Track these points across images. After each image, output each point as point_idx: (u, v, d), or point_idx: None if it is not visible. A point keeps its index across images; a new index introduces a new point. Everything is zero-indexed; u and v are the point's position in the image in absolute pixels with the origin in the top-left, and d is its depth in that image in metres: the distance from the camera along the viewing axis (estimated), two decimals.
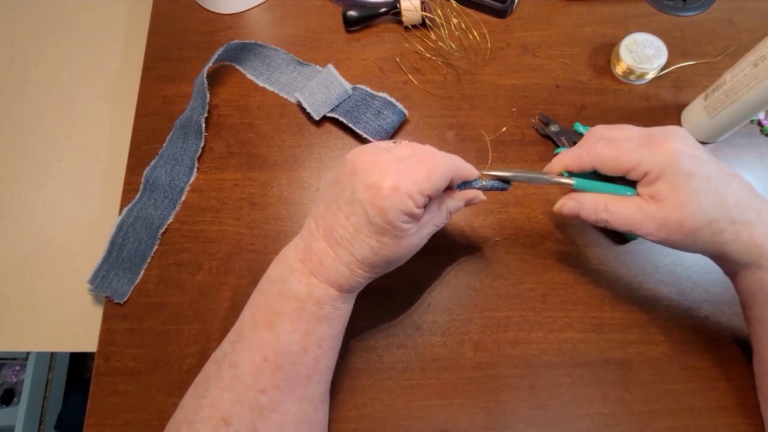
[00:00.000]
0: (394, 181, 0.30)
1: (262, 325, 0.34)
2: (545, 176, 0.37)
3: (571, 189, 0.37)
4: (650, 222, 0.33)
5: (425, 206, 0.33)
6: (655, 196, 0.33)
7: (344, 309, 0.35)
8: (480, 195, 0.37)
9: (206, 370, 0.35)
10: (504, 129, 0.50)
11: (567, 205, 0.37)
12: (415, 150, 0.33)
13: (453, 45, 0.53)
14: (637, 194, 0.34)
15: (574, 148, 0.36)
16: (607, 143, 0.34)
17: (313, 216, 0.35)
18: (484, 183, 0.37)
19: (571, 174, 0.37)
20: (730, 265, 0.35)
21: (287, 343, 0.33)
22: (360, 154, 0.33)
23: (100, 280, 0.45)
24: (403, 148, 0.33)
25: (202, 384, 0.34)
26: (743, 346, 0.42)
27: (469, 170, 0.36)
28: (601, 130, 0.37)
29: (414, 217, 0.32)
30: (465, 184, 0.37)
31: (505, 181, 0.38)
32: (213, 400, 0.32)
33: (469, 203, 0.37)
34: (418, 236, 0.34)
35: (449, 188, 0.36)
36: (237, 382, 0.32)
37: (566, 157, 0.36)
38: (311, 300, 0.33)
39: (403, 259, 0.35)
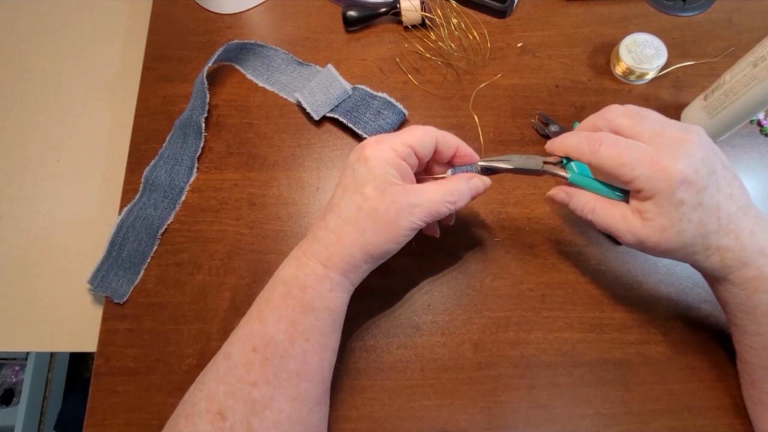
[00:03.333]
0: (378, 138, 0.34)
1: (254, 316, 0.35)
2: (542, 168, 0.37)
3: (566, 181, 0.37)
4: (630, 235, 0.34)
5: (420, 180, 0.36)
6: (642, 213, 0.33)
7: (330, 299, 0.34)
8: (484, 179, 0.37)
9: (207, 366, 0.35)
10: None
11: (558, 195, 0.38)
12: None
13: (453, 45, 0.53)
14: (627, 200, 0.34)
15: (578, 134, 0.35)
16: (612, 147, 0.33)
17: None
18: (479, 169, 0.38)
19: (568, 161, 0.37)
20: (702, 274, 0.37)
21: (274, 332, 0.33)
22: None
23: (99, 280, 0.45)
24: (396, 132, 0.36)
25: (201, 378, 0.35)
26: None
27: (452, 139, 0.37)
28: (615, 114, 0.35)
29: (398, 169, 0.33)
30: (460, 170, 0.38)
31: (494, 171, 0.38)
32: (209, 393, 0.33)
33: (475, 193, 0.37)
34: (405, 199, 0.33)
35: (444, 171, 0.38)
36: (230, 374, 0.33)
37: (568, 143, 0.35)
38: (296, 283, 0.34)
39: (391, 232, 0.33)
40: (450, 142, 0.36)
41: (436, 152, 0.36)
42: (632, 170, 0.32)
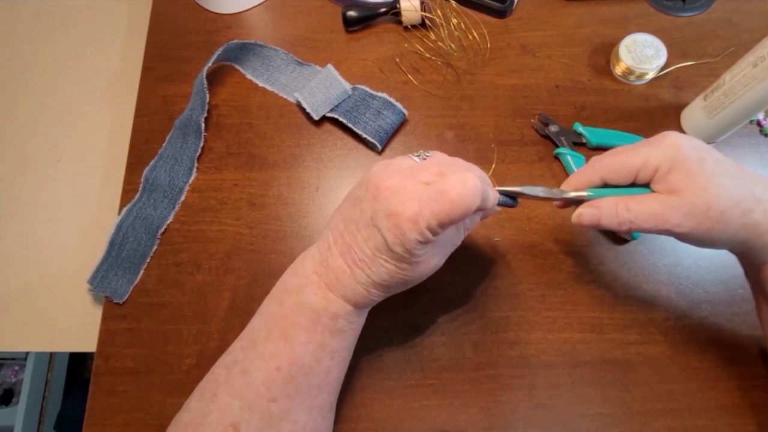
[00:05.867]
0: (415, 212, 0.29)
1: (277, 335, 0.33)
2: (557, 191, 0.36)
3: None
4: (676, 212, 0.31)
5: None
6: (673, 189, 0.32)
7: (358, 323, 0.36)
8: (495, 208, 0.36)
9: (215, 374, 0.34)
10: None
11: (586, 213, 0.35)
12: (443, 175, 0.30)
13: (453, 45, 0.53)
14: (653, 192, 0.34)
15: (576, 171, 0.36)
16: (610, 153, 0.34)
17: (331, 230, 0.34)
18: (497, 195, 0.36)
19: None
20: (760, 253, 0.33)
21: (301, 353, 0.33)
22: (383, 177, 0.31)
23: (99, 280, 0.45)
24: (429, 173, 0.30)
25: (210, 389, 0.34)
26: (742, 347, 0.42)
27: (493, 199, 0.33)
28: (595, 157, 0.36)
29: (430, 243, 0.31)
30: None
31: (513, 198, 0.37)
32: (222, 406, 0.32)
33: (484, 217, 0.37)
34: (435, 258, 0.33)
35: None
36: (248, 389, 0.32)
37: (573, 180, 0.36)
38: (327, 313, 0.33)
39: (421, 279, 0.34)
40: (487, 203, 0.32)
41: None
42: (637, 155, 0.32)
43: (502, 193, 0.36)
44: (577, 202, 0.36)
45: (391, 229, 0.30)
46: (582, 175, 0.36)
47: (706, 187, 0.31)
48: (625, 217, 0.33)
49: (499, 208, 0.37)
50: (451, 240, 0.35)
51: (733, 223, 0.31)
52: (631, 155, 0.33)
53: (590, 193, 0.35)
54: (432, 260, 0.33)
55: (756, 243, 0.33)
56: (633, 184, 0.35)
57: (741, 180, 0.32)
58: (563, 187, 0.37)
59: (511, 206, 0.37)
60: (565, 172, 0.48)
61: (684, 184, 0.31)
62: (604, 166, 0.34)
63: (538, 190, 0.36)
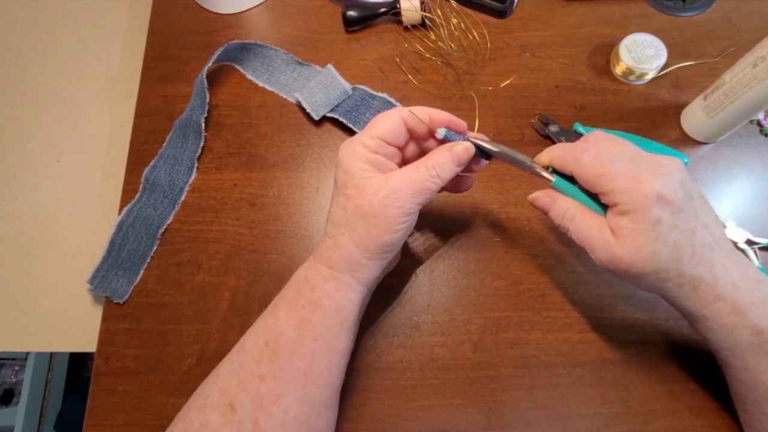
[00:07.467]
0: (349, 140, 0.35)
1: (269, 311, 0.36)
2: (528, 163, 0.36)
3: (549, 186, 0.36)
4: (604, 251, 0.33)
5: (401, 162, 0.36)
6: (616, 231, 0.32)
7: (338, 299, 0.34)
8: (465, 145, 0.35)
9: (225, 356, 0.36)
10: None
11: (541, 199, 0.37)
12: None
13: (453, 45, 0.53)
14: (605, 217, 0.34)
15: (565, 144, 0.35)
16: (594, 157, 0.33)
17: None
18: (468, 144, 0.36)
19: (554, 170, 0.36)
20: (679, 311, 0.35)
21: (284, 327, 0.34)
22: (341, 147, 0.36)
23: (99, 280, 0.45)
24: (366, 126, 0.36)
25: (216, 371, 0.35)
26: None
27: (421, 111, 0.35)
28: (598, 136, 0.35)
29: (371, 163, 0.34)
30: (452, 135, 0.35)
31: (485, 153, 0.37)
32: (222, 385, 0.34)
33: (459, 161, 0.35)
34: (385, 187, 0.33)
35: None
36: (243, 366, 0.34)
37: (554, 152, 0.36)
38: (306, 282, 0.35)
39: (381, 224, 0.33)
40: (419, 115, 0.35)
41: (412, 131, 0.35)
42: (611, 181, 0.31)
43: (476, 146, 0.36)
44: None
45: (336, 165, 0.35)
46: (560, 156, 0.35)
47: (640, 249, 0.31)
48: (566, 225, 0.35)
49: (472, 148, 0.35)
50: (411, 176, 0.33)
51: (644, 283, 0.33)
52: (605, 177, 0.32)
53: (555, 181, 0.35)
54: (381, 187, 0.33)
55: (667, 301, 0.35)
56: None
57: (679, 252, 0.31)
58: (544, 153, 0.36)
59: (484, 159, 0.37)
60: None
61: (624, 233, 0.32)
62: (580, 165, 0.33)
63: (510, 155, 0.36)
